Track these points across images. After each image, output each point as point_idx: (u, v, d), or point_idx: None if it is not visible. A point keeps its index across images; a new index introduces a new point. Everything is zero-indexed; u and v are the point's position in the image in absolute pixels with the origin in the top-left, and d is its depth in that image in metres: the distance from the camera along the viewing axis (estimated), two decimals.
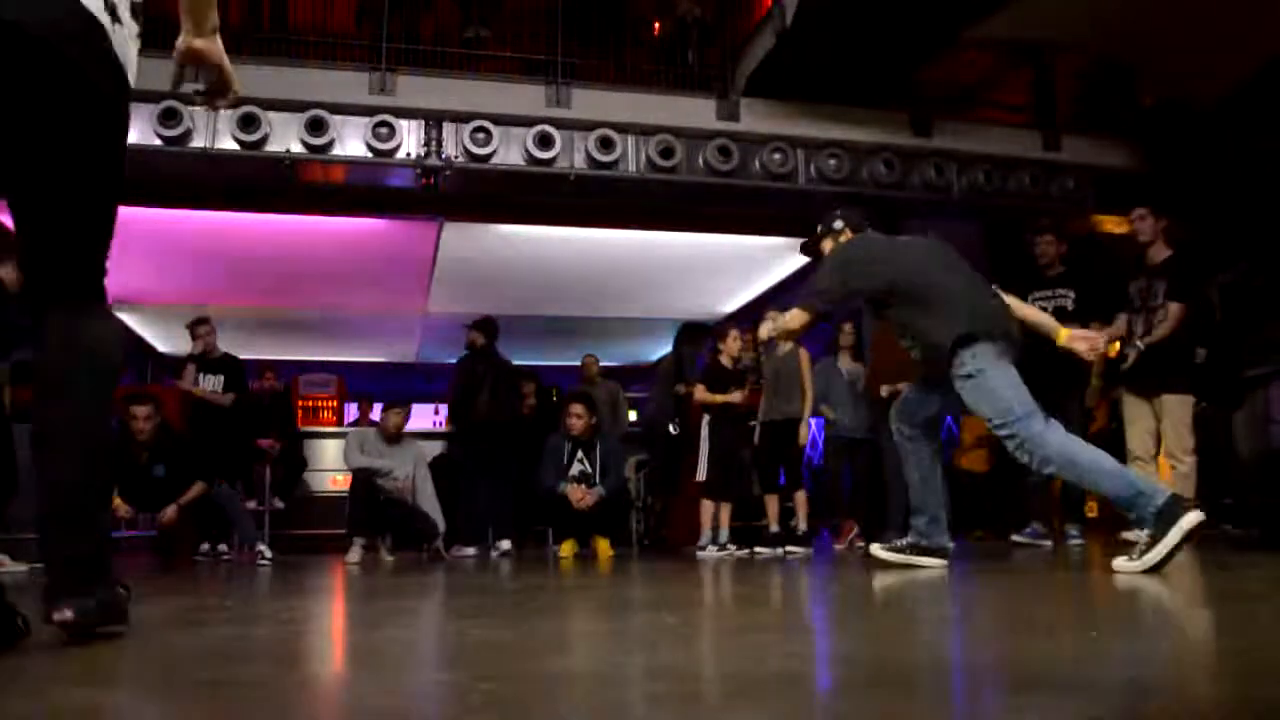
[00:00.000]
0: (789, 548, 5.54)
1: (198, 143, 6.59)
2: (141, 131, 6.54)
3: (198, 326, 6.77)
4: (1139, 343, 4.86)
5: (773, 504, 5.88)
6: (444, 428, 8.26)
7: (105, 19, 1.59)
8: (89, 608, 1.55)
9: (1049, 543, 5.24)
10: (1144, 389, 4.91)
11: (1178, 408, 4.76)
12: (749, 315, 10.42)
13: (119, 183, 1.67)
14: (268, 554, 5.55)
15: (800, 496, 5.87)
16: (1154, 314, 4.88)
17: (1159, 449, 4.97)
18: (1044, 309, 5.34)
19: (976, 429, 6.60)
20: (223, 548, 6.24)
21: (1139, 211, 5.04)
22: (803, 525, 5.87)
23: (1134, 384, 4.97)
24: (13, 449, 4.48)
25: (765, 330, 4.13)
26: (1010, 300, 3.60)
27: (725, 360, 5.91)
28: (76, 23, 1.53)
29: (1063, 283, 5.40)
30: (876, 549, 3.82)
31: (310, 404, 10.90)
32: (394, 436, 5.97)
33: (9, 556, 4.33)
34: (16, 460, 4.52)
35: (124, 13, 1.67)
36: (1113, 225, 7.97)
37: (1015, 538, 5.37)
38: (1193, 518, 2.78)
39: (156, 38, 6.83)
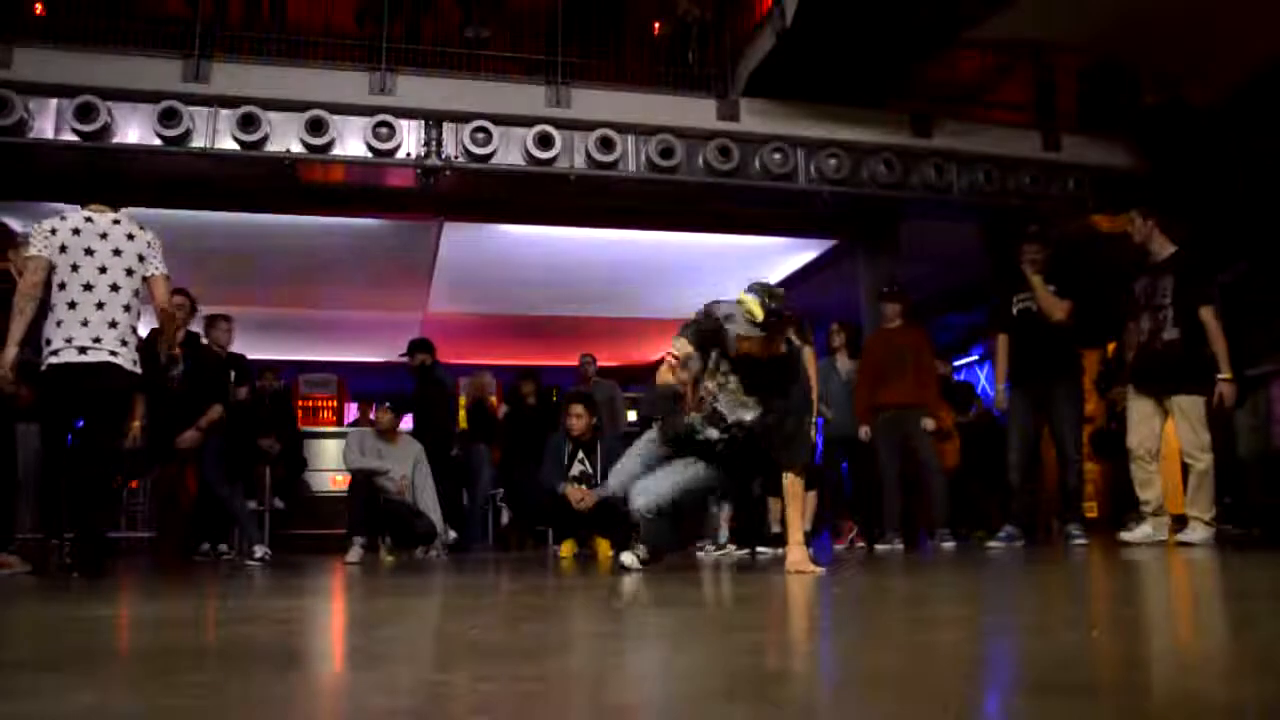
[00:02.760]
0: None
1: (198, 143, 6.59)
2: (141, 131, 6.55)
3: (219, 322, 6.61)
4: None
5: (775, 505, 5.87)
6: None
7: (130, 366, 3.93)
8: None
9: (1021, 543, 5.25)
10: (1156, 389, 4.87)
11: (1193, 407, 4.72)
12: None
13: (127, 413, 4.54)
14: (257, 553, 5.55)
15: (810, 497, 5.85)
16: (1161, 313, 4.83)
17: (1159, 448, 4.95)
18: (1029, 309, 5.42)
19: (944, 421, 6.47)
20: (223, 547, 6.24)
21: (1131, 214, 5.05)
22: (806, 525, 5.85)
23: (1144, 384, 4.93)
24: (14, 447, 4.49)
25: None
26: None
27: None
28: (124, 377, 3.91)
29: (1044, 283, 5.43)
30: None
31: (310, 404, 10.90)
32: (392, 436, 5.96)
33: (18, 558, 4.32)
34: (17, 459, 4.52)
35: (133, 355, 3.95)
36: (1107, 225, 7.97)
37: (991, 544, 5.37)
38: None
39: (157, 39, 6.90)
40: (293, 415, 8.47)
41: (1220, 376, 4.67)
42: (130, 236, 3.97)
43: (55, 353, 3.79)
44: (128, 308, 3.91)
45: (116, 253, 3.91)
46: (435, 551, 6.00)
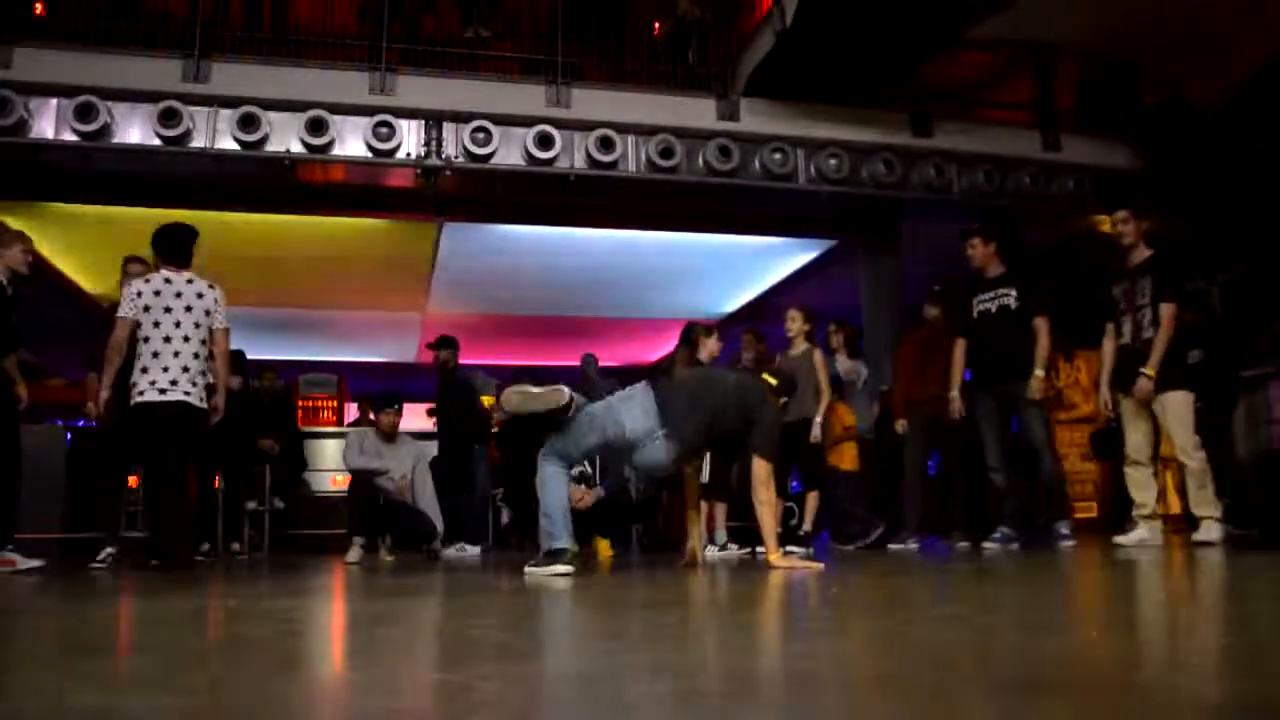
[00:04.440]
0: (789, 547, 5.53)
1: (198, 143, 6.60)
2: (142, 131, 6.55)
3: None
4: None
5: (777, 504, 5.86)
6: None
7: (199, 404, 4.61)
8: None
9: (1017, 545, 5.23)
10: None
11: (1178, 405, 4.66)
12: (749, 315, 10.44)
13: (200, 434, 4.78)
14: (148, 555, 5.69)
15: (812, 497, 5.84)
16: (1141, 313, 4.81)
17: (1156, 451, 4.92)
18: (988, 310, 5.38)
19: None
20: (235, 546, 6.26)
21: (1121, 214, 4.96)
22: (807, 526, 5.85)
23: (1130, 386, 4.90)
24: (19, 448, 4.51)
25: None
26: None
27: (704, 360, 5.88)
28: (196, 413, 4.61)
29: (1003, 283, 5.38)
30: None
31: (310, 404, 10.90)
32: (392, 436, 5.97)
33: (20, 555, 4.34)
34: (21, 458, 4.53)
35: (202, 394, 4.62)
36: (1109, 225, 7.98)
37: (985, 544, 5.35)
38: (564, 569, 3.59)
39: (157, 39, 6.92)
40: (293, 415, 8.46)
41: (1142, 370, 4.66)
42: (200, 295, 4.71)
43: (141, 393, 4.49)
44: (197, 355, 4.64)
45: (189, 309, 4.64)
46: (435, 548, 5.99)
